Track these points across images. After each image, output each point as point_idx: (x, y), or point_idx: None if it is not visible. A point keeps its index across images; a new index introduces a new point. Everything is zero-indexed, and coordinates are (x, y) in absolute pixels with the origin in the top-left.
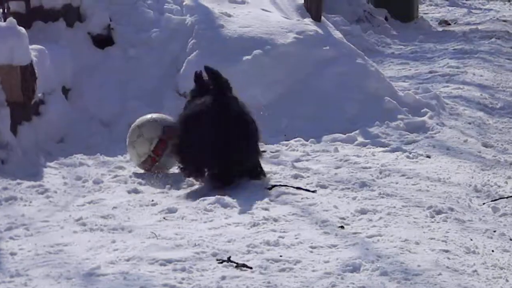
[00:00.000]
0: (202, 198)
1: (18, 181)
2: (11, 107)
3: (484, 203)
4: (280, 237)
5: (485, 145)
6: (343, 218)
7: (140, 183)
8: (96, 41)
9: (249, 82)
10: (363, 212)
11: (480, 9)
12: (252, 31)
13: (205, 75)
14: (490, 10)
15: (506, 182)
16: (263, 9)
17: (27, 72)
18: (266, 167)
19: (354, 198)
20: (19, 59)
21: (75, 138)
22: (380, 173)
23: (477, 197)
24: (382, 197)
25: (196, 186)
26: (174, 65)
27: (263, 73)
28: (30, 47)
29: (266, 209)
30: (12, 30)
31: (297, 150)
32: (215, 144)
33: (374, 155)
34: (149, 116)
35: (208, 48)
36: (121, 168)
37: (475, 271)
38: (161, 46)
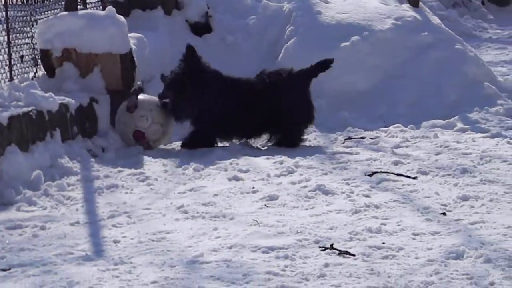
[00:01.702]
0: (302, 185)
1: (119, 168)
2: (111, 95)
3: None
4: (382, 224)
5: None
6: (445, 205)
7: (240, 170)
8: (194, 28)
9: (347, 69)
10: (465, 198)
11: None
12: (350, 18)
13: None
14: None
15: None
16: None
17: (127, 60)
18: (366, 153)
19: (455, 185)
20: (118, 47)
21: (174, 125)
22: (481, 159)
23: None
24: (484, 184)
25: (296, 173)
26: (272, 52)
27: (361, 60)
28: (129, 35)
29: (367, 195)
30: (111, 18)
31: (397, 136)
32: None
33: (474, 141)
34: None
35: (306, 35)
36: (221, 157)
37: None
38: (259, 33)
